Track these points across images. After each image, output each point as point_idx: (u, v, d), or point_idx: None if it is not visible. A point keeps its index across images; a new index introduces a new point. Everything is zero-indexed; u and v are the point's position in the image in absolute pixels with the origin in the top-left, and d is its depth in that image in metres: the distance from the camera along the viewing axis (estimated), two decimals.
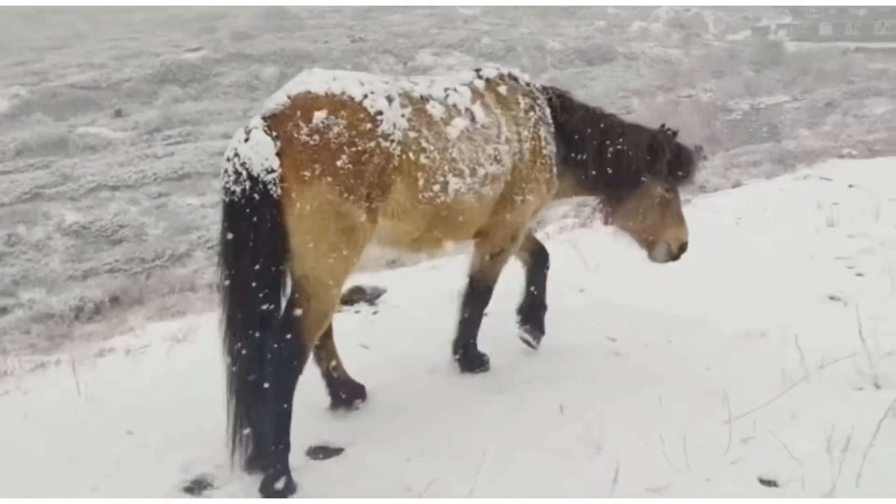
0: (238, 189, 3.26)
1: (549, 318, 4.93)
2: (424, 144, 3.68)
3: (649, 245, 4.83)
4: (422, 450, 3.59)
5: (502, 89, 4.24)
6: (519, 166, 4.16)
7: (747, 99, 56.07)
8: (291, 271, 3.41)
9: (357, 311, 5.91)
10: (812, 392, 4.00)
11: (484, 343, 4.80)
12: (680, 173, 4.68)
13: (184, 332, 5.42)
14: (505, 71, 4.39)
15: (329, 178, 3.29)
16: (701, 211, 8.27)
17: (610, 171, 4.50)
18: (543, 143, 4.27)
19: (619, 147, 4.50)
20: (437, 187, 3.74)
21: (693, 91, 57.54)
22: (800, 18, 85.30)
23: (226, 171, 3.33)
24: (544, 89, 4.49)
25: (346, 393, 4.08)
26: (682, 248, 4.83)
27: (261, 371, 3.32)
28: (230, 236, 3.31)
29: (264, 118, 3.36)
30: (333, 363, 4.07)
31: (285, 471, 3.33)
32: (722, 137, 40.88)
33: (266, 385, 3.30)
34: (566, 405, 3.98)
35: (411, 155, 3.62)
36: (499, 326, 4.91)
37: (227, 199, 3.33)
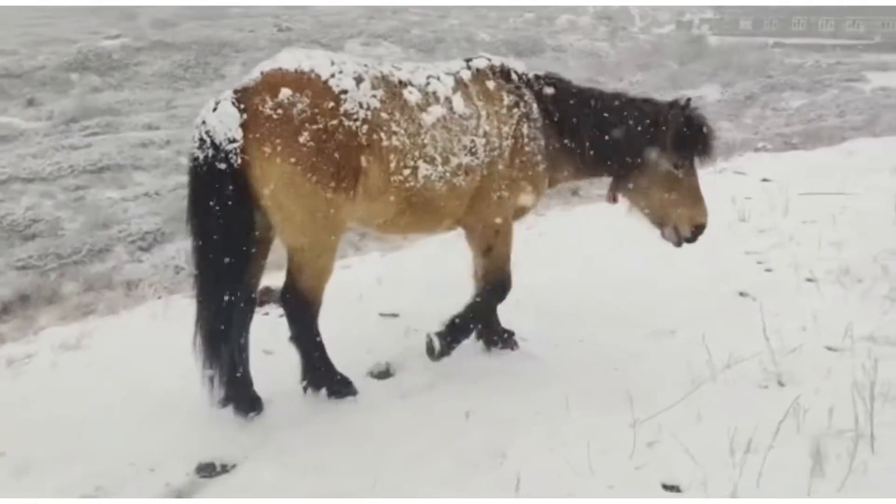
0: (201, 155, 3.46)
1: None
2: (395, 128, 3.72)
3: (661, 225, 4.62)
4: (319, 464, 3.42)
5: (489, 83, 4.21)
6: (498, 163, 4.13)
7: (671, 92, 57.31)
8: (249, 245, 3.60)
9: (266, 314, 5.68)
10: (718, 392, 4.00)
11: (393, 345, 4.68)
12: (690, 147, 4.40)
13: (77, 338, 5.09)
14: (497, 62, 4.31)
15: (291, 157, 3.42)
16: (616, 207, 8.30)
17: (607, 152, 4.38)
18: (526, 141, 4.19)
19: (615, 126, 4.35)
20: (406, 171, 3.78)
21: (620, 83, 58.25)
22: (721, 13, 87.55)
23: (193, 137, 3.51)
24: (537, 79, 4.40)
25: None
26: (697, 229, 4.55)
27: (227, 321, 3.60)
28: (193, 199, 3.54)
29: (235, 91, 3.53)
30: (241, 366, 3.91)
31: (339, 378, 3.99)
32: None
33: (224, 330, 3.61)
34: (472, 411, 3.87)
35: (382, 136, 3.66)
36: (411, 325, 4.79)
37: (191, 164, 3.53)
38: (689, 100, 4.43)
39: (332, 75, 3.59)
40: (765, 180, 9.27)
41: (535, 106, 4.28)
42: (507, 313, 4.77)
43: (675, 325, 4.93)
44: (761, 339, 4.38)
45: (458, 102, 4.00)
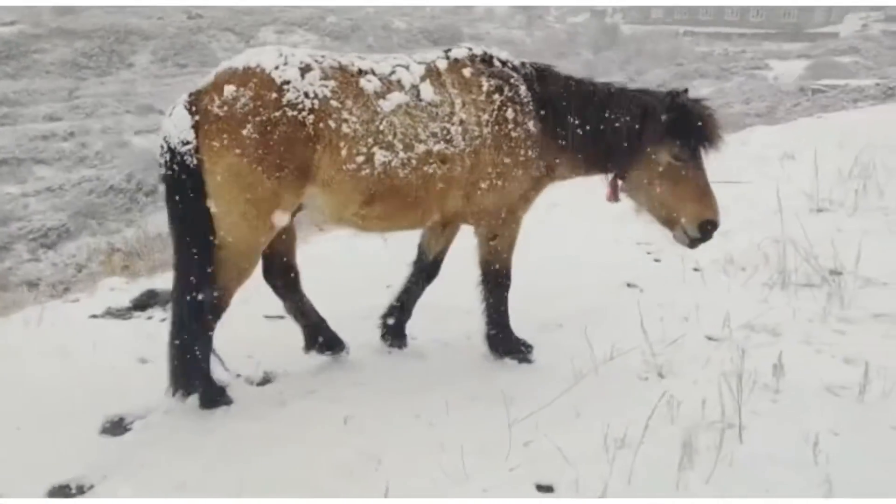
0: (162, 160, 3.61)
1: (350, 319, 4.71)
2: (346, 115, 3.69)
3: (669, 225, 4.36)
4: (182, 480, 3.27)
5: (466, 71, 4.09)
6: (482, 151, 4.03)
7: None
8: (205, 236, 3.66)
9: (149, 318, 5.46)
10: (598, 386, 4.01)
11: (277, 350, 4.53)
12: (690, 136, 4.16)
13: None
14: (479, 51, 4.21)
15: (237, 150, 3.50)
16: None
17: (603, 142, 4.19)
18: (512, 126, 4.06)
19: (611, 115, 4.17)
20: (360, 158, 3.73)
21: None
22: (633, 2, 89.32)
23: (159, 144, 3.64)
24: (523, 65, 4.27)
25: (324, 339, 4.42)
26: (706, 225, 4.25)
27: (198, 317, 3.73)
28: (166, 201, 3.68)
29: (189, 94, 3.64)
30: (303, 315, 4.37)
31: (210, 386, 3.91)
32: None
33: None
34: (351, 416, 3.77)
35: (331, 123, 3.65)
36: (289, 329, 4.64)
37: (160, 171, 3.66)
38: (686, 89, 4.34)
39: (277, 67, 3.63)
40: None
41: (522, 89, 4.13)
42: None
43: (562, 318, 4.94)
44: (646, 329, 4.42)
45: (427, 90, 3.93)
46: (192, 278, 3.67)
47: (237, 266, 3.76)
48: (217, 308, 3.79)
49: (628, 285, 5.56)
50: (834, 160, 8.18)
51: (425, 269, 4.64)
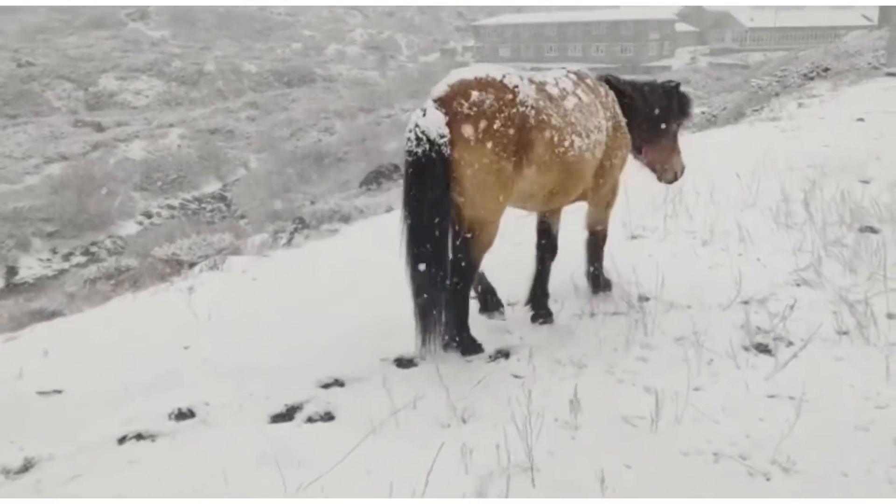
0: (420, 150, 4.27)
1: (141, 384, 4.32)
2: (551, 111, 4.69)
3: (662, 171, 6.20)
4: None
5: (588, 80, 5.34)
6: (609, 136, 5.26)
7: None
8: (461, 214, 4.48)
9: None
10: (395, 438, 3.80)
11: (45, 430, 4.06)
12: (684, 116, 6.06)
13: None
14: (576, 69, 5.46)
15: (490, 143, 4.32)
16: (347, 235, 8.12)
17: (652, 123, 5.78)
18: (620, 119, 5.42)
19: (657, 105, 5.76)
20: (567, 142, 4.75)
21: (392, 111, 59.71)
22: (482, 41, 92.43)
23: (409, 138, 4.32)
24: (599, 77, 5.58)
25: (491, 298, 5.48)
26: (682, 170, 6.26)
27: (441, 279, 4.46)
28: (410, 186, 4.35)
29: (434, 100, 4.38)
30: (480, 282, 5.39)
31: (469, 337, 4.81)
32: None
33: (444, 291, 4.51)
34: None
35: (543, 117, 4.60)
36: (80, 403, 4.19)
37: (410, 159, 4.32)
38: (679, 83, 6.06)
39: (504, 76, 4.54)
40: None
41: (613, 92, 5.50)
42: (197, 376, 4.31)
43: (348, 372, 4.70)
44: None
45: (582, 94, 5.06)
46: (427, 253, 4.37)
47: (489, 236, 4.66)
48: (472, 272, 4.70)
49: None
50: (651, 187, 8.47)
51: (549, 248, 5.49)
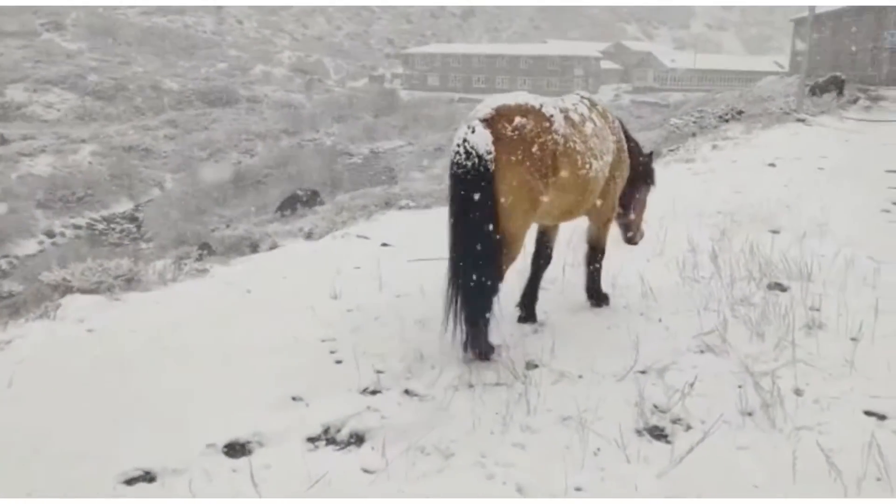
0: (469, 164, 4.61)
1: None
2: (575, 138, 5.09)
3: (637, 230, 6.63)
4: None
5: (599, 107, 5.76)
6: (615, 157, 5.68)
7: (367, 143, 58.76)
8: (495, 226, 4.70)
9: None
10: None
11: None
12: (652, 181, 6.61)
13: None
14: (587, 95, 5.82)
15: (528, 163, 4.73)
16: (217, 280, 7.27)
17: (648, 175, 6.51)
18: (623, 144, 5.88)
19: (643, 160, 6.45)
20: (587, 166, 5.16)
21: (317, 135, 58.75)
22: (411, 69, 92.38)
23: (457, 152, 4.66)
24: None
25: (527, 312, 5.84)
26: (642, 233, 6.76)
27: (486, 296, 4.80)
28: (457, 196, 4.70)
29: (481, 120, 4.74)
30: (529, 285, 5.86)
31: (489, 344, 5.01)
32: (343, 180, 41.68)
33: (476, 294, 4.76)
34: None
35: (569, 144, 5.01)
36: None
37: (459, 172, 4.65)
38: (652, 152, 6.81)
39: (541, 105, 4.97)
40: (384, 245, 8.76)
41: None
42: None
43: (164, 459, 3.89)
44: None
45: (596, 119, 5.48)
46: (478, 260, 4.67)
47: (515, 251, 4.96)
48: (499, 281, 4.86)
49: (293, 399, 4.62)
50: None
51: (545, 258, 5.86)
